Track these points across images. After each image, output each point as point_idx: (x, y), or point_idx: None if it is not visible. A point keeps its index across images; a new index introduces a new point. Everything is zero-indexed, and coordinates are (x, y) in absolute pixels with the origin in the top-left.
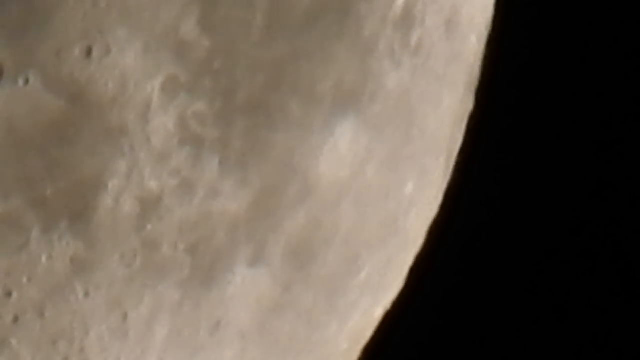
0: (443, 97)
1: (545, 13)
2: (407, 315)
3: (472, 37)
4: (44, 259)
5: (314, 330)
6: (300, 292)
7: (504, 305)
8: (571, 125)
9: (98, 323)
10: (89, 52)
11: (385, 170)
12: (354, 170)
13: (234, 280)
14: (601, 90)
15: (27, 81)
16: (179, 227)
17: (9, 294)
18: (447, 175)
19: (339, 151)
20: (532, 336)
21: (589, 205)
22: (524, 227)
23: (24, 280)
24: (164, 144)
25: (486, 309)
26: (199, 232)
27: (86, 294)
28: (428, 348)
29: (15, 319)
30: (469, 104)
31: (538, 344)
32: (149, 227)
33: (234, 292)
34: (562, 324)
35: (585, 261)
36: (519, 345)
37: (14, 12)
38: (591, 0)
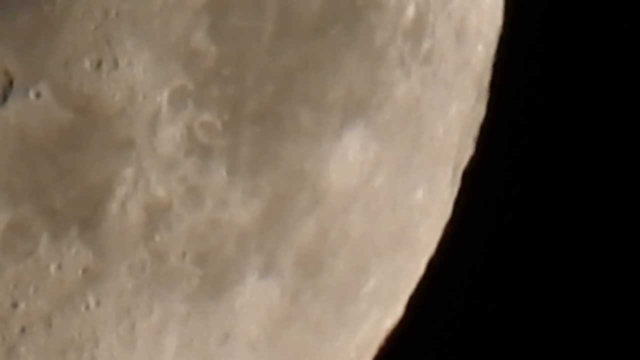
0: (452, 105)
1: (554, 22)
2: (416, 326)
3: (481, 47)
4: (52, 267)
5: (323, 341)
6: (310, 302)
7: (514, 316)
8: (581, 133)
9: (107, 333)
10: (98, 64)
11: (394, 179)
12: (364, 178)
13: (243, 292)
14: (613, 98)
15: (38, 94)
16: (187, 236)
17: (15, 304)
18: (456, 183)
19: (348, 160)
20: (540, 344)
21: (601, 215)
22: (534, 236)
23: (31, 289)
24: (171, 154)
25: (495, 318)
26: (207, 242)
27: (97, 304)
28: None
29: (23, 329)
30: (478, 113)
31: (546, 350)
32: (157, 236)
33: (243, 303)
34: (574, 332)
35: (598, 274)
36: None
37: (23, 22)
38: (601, 10)
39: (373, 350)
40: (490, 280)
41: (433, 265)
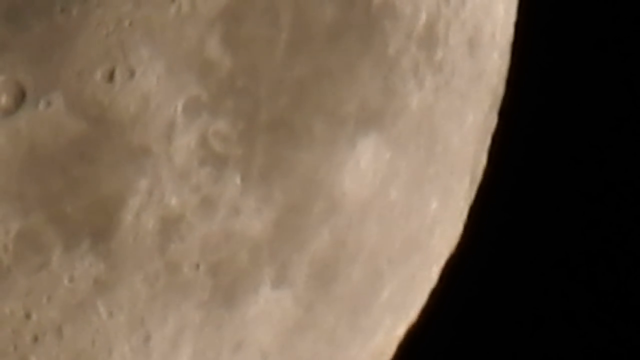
0: (467, 115)
1: (567, 30)
2: (429, 334)
3: (495, 55)
4: (65, 278)
5: (336, 350)
6: (323, 312)
7: (527, 324)
8: (594, 141)
9: (121, 343)
10: (111, 75)
11: (408, 189)
12: (378, 188)
13: (256, 301)
14: (627, 107)
15: (49, 104)
16: (200, 246)
17: (28, 315)
18: (470, 193)
19: (362, 169)
20: (553, 353)
21: (615, 223)
22: (548, 246)
23: (44, 300)
24: (185, 163)
25: (508, 326)
26: (221, 252)
27: (110, 314)
28: None
29: (35, 339)
30: (492, 122)
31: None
32: (171, 246)
33: (256, 313)
34: (586, 340)
35: (613, 282)
36: None
37: (37, 33)
38: (614, 19)
39: (386, 358)
40: (503, 289)
41: (446, 274)
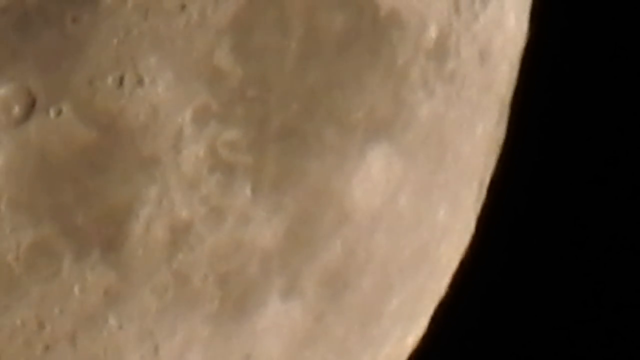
0: (476, 125)
1: (578, 41)
2: (439, 343)
3: (505, 66)
4: (76, 288)
5: None
6: (333, 322)
7: (538, 332)
8: (605, 151)
9: (130, 354)
10: (121, 82)
11: (418, 198)
12: (387, 197)
13: (266, 313)
14: (639, 118)
15: (59, 112)
16: (209, 257)
17: (41, 325)
18: (479, 202)
19: (372, 179)
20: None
21: (626, 230)
22: (558, 255)
23: (56, 310)
24: (194, 172)
25: (519, 334)
26: (230, 263)
27: (119, 325)
28: None
29: (46, 348)
30: (501, 132)
31: None
32: (180, 257)
33: (266, 325)
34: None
35: (628, 290)
36: None
37: (47, 41)
38: (626, 31)
39: None
40: (512, 297)
41: (455, 282)
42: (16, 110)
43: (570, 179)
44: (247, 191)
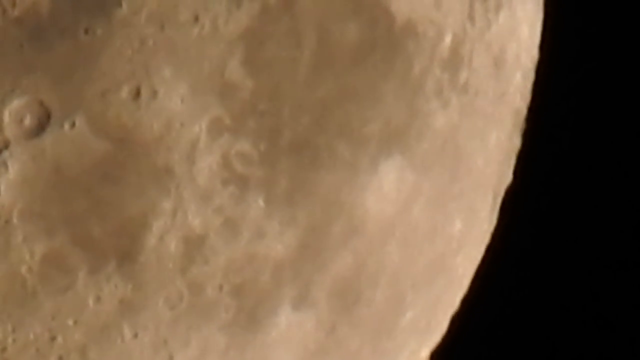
0: (490, 135)
1: (591, 50)
2: (453, 356)
3: (518, 76)
4: (90, 300)
5: None
6: (346, 334)
7: (553, 344)
8: (620, 160)
9: None
10: (135, 95)
11: (432, 209)
12: (400, 209)
13: (278, 323)
14: None
15: (73, 124)
16: (224, 268)
17: (53, 337)
18: (494, 213)
19: (385, 190)
20: None
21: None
22: (574, 267)
23: (70, 322)
24: (208, 184)
25: (535, 345)
26: (244, 274)
27: (134, 335)
28: None
29: (59, 359)
30: (516, 142)
31: None
32: (194, 268)
33: (278, 335)
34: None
35: None
36: None
37: (61, 53)
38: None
39: None
40: (528, 309)
41: (470, 295)
42: (30, 121)
43: (586, 190)
44: (260, 203)
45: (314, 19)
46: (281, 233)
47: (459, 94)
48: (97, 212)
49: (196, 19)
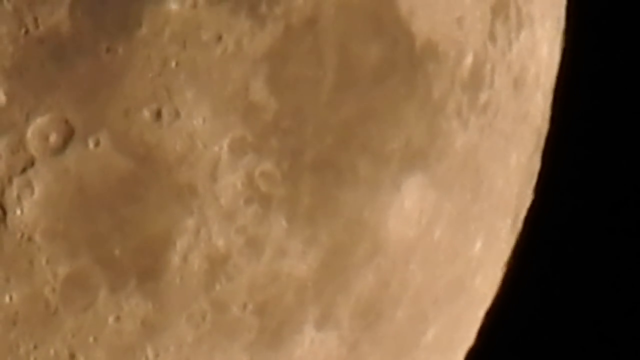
0: (511, 155)
1: (611, 71)
2: None
3: (539, 96)
4: (111, 319)
5: None
6: (368, 353)
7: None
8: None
9: None
10: (158, 114)
11: (453, 229)
12: (422, 229)
13: (301, 342)
14: None
15: (97, 143)
16: (248, 287)
17: (73, 355)
18: (515, 232)
19: (407, 210)
20: None
21: None
22: (596, 284)
23: (90, 340)
24: (231, 203)
25: None
26: (267, 293)
27: (156, 355)
28: None
29: None
30: (537, 163)
31: None
32: (217, 287)
33: (302, 354)
34: None
35: None
36: None
37: (83, 72)
38: None
39: None
40: (549, 328)
41: (491, 314)
42: (54, 139)
43: (606, 209)
44: (283, 222)
45: (335, 39)
46: (304, 252)
47: (479, 114)
48: (120, 231)
49: (219, 38)
